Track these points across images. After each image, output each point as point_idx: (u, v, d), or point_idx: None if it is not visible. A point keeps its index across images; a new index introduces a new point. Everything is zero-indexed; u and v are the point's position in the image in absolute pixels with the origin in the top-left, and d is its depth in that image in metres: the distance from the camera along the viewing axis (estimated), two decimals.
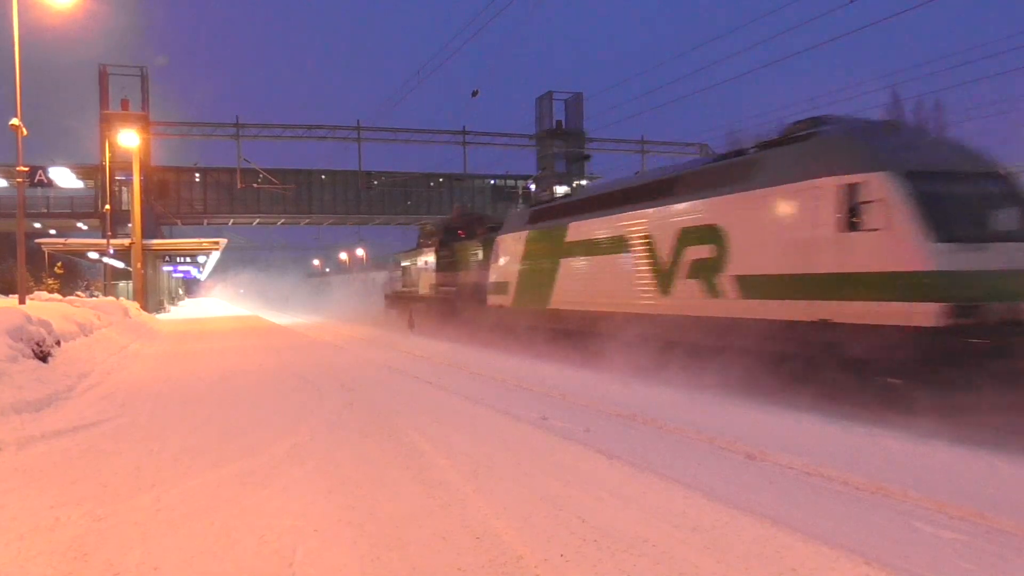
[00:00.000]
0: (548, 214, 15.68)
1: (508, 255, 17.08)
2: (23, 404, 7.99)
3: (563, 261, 14.37)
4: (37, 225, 47.49)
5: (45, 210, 46.65)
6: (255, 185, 47.77)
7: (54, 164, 43.29)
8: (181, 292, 78.06)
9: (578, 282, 13.83)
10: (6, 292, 26.41)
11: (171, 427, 7.53)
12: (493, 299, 17.69)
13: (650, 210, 11.87)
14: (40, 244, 37.13)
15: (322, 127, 48.39)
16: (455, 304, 20.98)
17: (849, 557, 3.77)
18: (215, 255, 50.71)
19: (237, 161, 46.79)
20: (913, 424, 7.09)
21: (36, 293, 24.83)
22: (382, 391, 10.07)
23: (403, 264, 28.83)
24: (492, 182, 55.35)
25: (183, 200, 48.56)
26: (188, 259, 48.64)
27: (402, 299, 27.76)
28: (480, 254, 19.81)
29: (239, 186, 47.01)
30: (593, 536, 4.12)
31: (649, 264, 11.72)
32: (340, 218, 56.25)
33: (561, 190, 53.23)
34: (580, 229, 13.87)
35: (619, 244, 12.60)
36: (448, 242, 22.45)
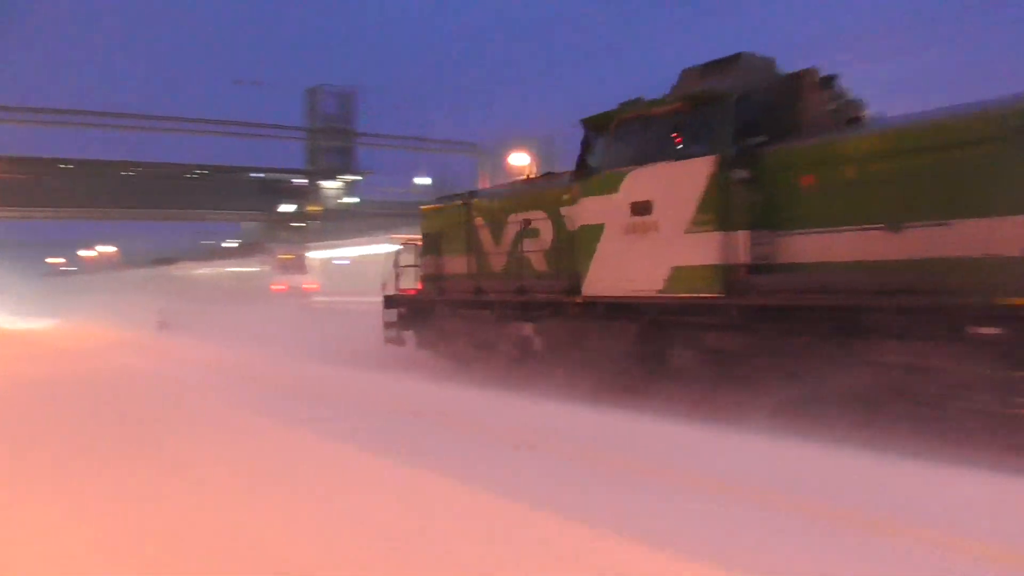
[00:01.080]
0: None
1: None
2: None
3: None
4: None
5: None
6: None
7: None
8: None
9: None
10: None
11: None
12: None
13: None
14: None
15: (67, 112, 43.61)
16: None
17: (604, 535, 4.03)
18: None
19: None
20: (664, 408, 7.76)
21: None
22: (141, 400, 9.34)
23: (435, 230, 12.26)
24: (260, 175, 52.90)
25: None
26: None
27: (427, 310, 11.97)
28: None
29: None
30: (371, 535, 4.10)
31: None
32: (86, 212, 51.10)
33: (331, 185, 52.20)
34: None
35: None
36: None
